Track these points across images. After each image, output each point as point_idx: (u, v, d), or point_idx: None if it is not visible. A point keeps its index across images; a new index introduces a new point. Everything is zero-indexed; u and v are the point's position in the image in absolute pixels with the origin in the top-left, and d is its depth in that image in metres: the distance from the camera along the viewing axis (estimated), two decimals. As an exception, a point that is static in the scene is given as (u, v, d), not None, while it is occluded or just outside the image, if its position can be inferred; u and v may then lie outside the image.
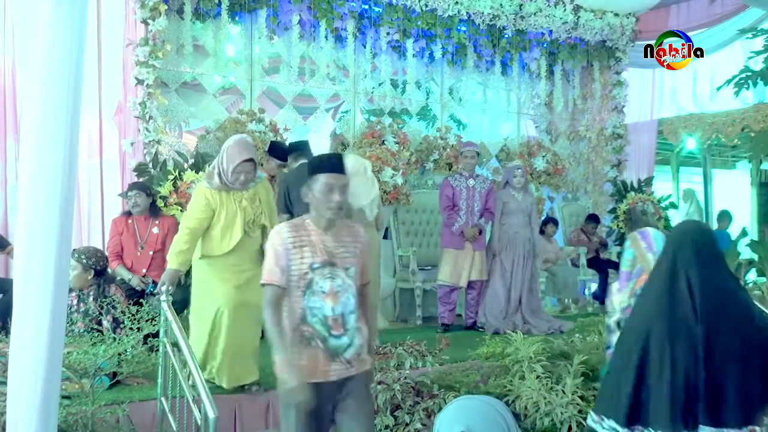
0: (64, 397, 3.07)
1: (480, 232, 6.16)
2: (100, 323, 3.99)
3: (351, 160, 5.64)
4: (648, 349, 2.12)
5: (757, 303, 2.44)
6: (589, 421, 2.29)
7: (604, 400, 2.25)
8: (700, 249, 2.18)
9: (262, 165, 5.74)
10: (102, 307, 3.99)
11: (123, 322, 3.49)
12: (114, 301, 4.00)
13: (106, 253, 4.62)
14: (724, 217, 9.49)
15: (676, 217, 8.85)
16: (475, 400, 1.64)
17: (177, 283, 3.87)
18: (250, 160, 3.75)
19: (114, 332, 3.64)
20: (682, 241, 2.23)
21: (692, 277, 2.13)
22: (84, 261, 4.07)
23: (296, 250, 2.58)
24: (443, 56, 7.46)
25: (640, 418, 2.12)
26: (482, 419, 1.56)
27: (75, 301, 4.06)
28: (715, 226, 9.32)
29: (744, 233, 8.86)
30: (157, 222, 5.05)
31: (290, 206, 5.41)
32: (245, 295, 3.79)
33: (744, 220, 10.38)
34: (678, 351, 2.08)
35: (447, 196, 6.20)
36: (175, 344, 3.45)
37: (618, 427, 2.14)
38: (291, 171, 5.68)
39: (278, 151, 5.58)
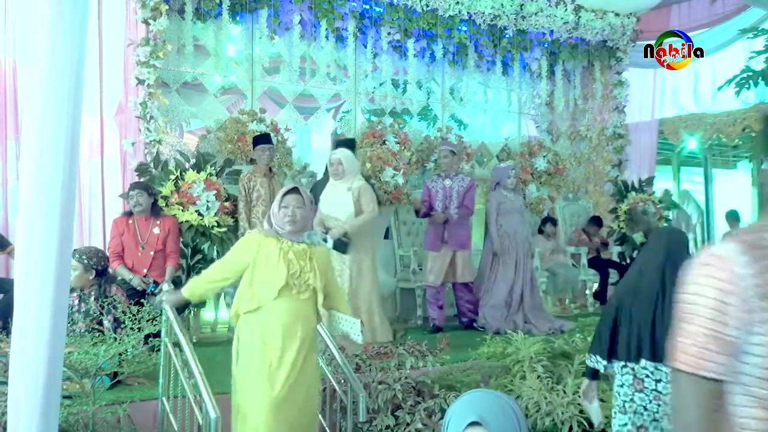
0: (65, 397, 3.07)
1: (446, 221, 6.09)
2: (101, 323, 3.99)
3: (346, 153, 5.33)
4: (621, 307, 3.03)
5: None
6: (586, 361, 3.17)
7: (594, 343, 3.13)
8: (671, 244, 3.01)
9: (254, 161, 5.75)
10: (103, 307, 3.99)
11: (124, 322, 3.49)
12: (115, 301, 4.00)
13: (107, 254, 4.62)
14: (733, 216, 9.49)
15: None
16: (487, 393, 1.64)
17: (178, 282, 3.87)
18: (295, 189, 3.24)
19: (115, 332, 3.64)
20: (659, 238, 3.12)
21: (663, 262, 2.96)
22: (85, 261, 4.07)
23: (765, 304, 1.32)
24: (444, 56, 7.47)
25: (614, 353, 3.04)
26: (495, 411, 1.56)
27: (76, 301, 4.06)
28: (726, 227, 9.34)
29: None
30: (158, 222, 5.05)
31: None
32: (289, 393, 3.10)
33: (745, 219, 10.37)
34: (636, 309, 2.97)
35: (424, 200, 6.26)
36: (176, 344, 3.45)
37: (602, 360, 3.05)
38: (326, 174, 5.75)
39: (257, 138, 5.72)
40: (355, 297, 5.02)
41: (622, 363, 3.03)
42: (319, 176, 6.27)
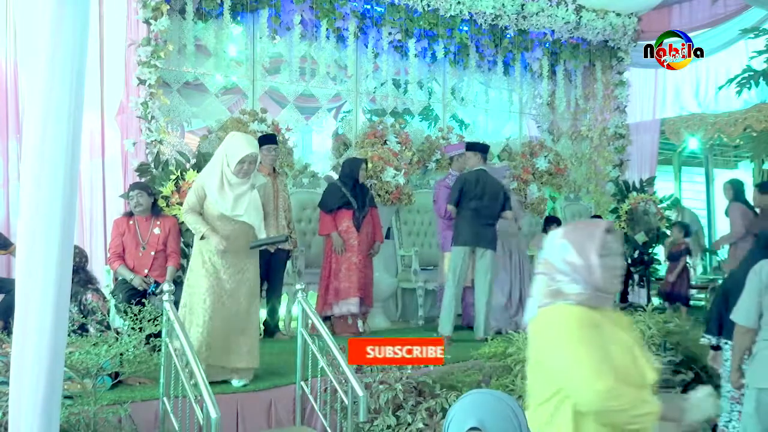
0: (66, 397, 3.08)
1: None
2: (84, 329, 3.93)
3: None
4: (727, 294, 3.81)
5: None
6: (701, 339, 4.05)
7: (706, 324, 3.98)
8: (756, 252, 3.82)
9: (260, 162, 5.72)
10: (85, 316, 3.95)
11: (107, 327, 3.48)
12: (95, 308, 3.96)
13: (86, 252, 4.51)
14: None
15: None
16: (488, 395, 1.63)
17: (179, 282, 3.86)
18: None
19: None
20: (761, 238, 3.92)
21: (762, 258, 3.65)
22: None
23: None
24: (445, 56, 7.46)
25: (721, 332, 3.85)
26: (495, 415, 1.55)
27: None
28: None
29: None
30: (158, 222, 5.04)
31: (461, 201, 5.69)
32: None
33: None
34: (731, 299, 3.65)
35: (443, 199, 6.19)
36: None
37: (712, 338, 3.90)
38: (471, 173, 5.83)
39: (262, 139, 5.55)
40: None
41: (725, 340, 3.76)
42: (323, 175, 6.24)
